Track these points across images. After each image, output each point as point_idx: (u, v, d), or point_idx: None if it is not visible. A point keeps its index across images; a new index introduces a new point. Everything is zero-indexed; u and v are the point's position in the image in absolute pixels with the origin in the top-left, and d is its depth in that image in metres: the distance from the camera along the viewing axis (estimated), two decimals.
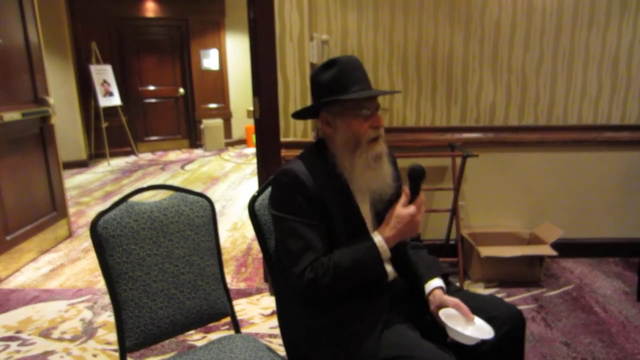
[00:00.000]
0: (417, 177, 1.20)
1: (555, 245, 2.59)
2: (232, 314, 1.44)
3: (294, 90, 2.38)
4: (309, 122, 2.44)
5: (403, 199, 1.20)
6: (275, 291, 1.42)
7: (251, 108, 2.48)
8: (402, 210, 1.18)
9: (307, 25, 2.33)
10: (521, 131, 2.78)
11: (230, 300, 1.43)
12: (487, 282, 2.65)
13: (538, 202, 2.88)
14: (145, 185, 5.42)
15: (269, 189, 1.45)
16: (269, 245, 1.41)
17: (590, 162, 2.84)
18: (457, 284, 2.53)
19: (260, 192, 1.44)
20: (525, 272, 2.63)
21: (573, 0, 2.62)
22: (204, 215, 1.39)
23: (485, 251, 2.54)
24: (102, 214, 1.23)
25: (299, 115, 1.42)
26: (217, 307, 1.38)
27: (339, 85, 1.25)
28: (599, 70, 2.72)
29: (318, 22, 2.56)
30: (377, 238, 1.19)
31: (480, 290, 2.58)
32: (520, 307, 2.33)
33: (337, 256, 1.18)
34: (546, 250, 2.57)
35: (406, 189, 1.21)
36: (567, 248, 2.87)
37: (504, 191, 2.86)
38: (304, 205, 1.21)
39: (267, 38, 2.24)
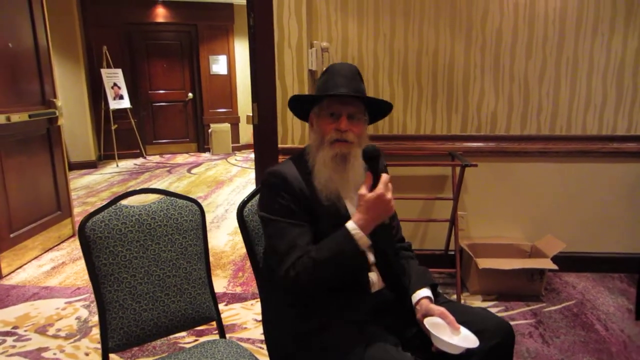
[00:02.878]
0: (372, 157, 1.20)
1: (557, 259, 2.53)
2: (218, 319, 1.44)
3: None
4: (307, 129, 2.45)
5: (367, 182, 1.19)
6: (261, 296, 1.42)
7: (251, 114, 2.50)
8: (369, 194, 1.17)
9: (305, 32, 2.34)
10: (523, 141, 2.75)
11: (216, 305, 1.43)
12: (485, 295, 2.61)
13: (540, 214, 2.84)
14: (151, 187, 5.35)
15: (259, 195, 1.47)
16: (257, 251, 1.42)
17: (595, 174, 2.79)
18: (454, 296, 2.53)
19: (249, 198, 1.44)
20: (525, 286, 2.58)
21: (577, 8, 2.59)
22: (193, 220, 1.40)
23: (484, 263, 2.50)
24: (91, 215, 1.25)
25: (295, 106, 1.43)
26: (202, 312, 1.38)
27: (324, 89, 1.30)
28: (603, 79, 2.69)
29: (319, 30, 2.58)
30: (350, 225, 1.18)
31: (478, 303, 2.54)
32: (518, 322, 2.30)
33: (315, 251, 1.18)
34: (546, 264, 2.52)
35: (368, 172, 1.20)
36: (571, 262, 2.81)
37: (505, 202, 2.83)
38: (290, 206, 1.23)
39: (265, 45, 2.26)
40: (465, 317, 1.22)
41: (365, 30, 2.61)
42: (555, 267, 2.49)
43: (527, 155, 2.76)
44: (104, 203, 1.28)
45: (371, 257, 1.32)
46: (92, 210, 1.25)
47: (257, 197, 1.46)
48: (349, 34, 2.61)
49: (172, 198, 1.40)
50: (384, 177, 1.18)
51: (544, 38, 2.63)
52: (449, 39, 2.63)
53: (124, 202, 1.31)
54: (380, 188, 1.16)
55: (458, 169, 2.61)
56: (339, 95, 1.27)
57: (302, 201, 1.24)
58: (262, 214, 1.27)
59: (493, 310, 2.41)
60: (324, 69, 1.35)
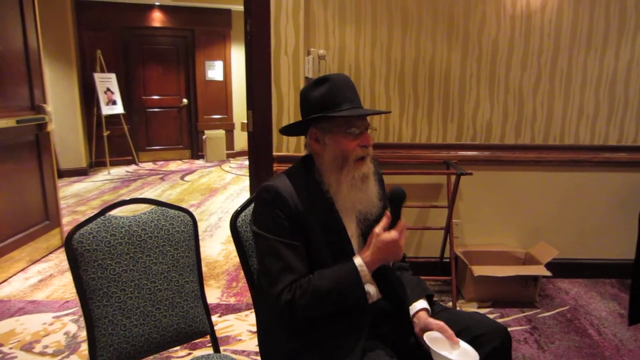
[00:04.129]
0: (398, 201, 1.19)
1: (551, 266, 2.55)
2: (212, 333, 1.41)
3: (288, 105, 2.37)
4: (302, 136, 2.42)
5: (384, 221, 1.18)
6: (256, 310, 1.39)
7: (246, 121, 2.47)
8: (384, 234, 1.17)
9: (302, 39, 2.33)
10: (517, 150, 2.75)
11: (209, 318, 1.40)
12: (481, 302, 2.60)
13: (534, 222, 2.85)
14: (143, 195, 5.29)
15: (252, 205, 1.44)
16: (251, 263, 1.39)
17: (587, 182, 2.81)
18: (450, 304, 2.51)
19: (242, 208, 1.41)
20: (519, 293, 2.58)
21: (571, 21, 2.62)
22: (185, 231, 1.37)
23: (479, 270, 2.50)
24: (78, 227, 1.21)
25: (287, 131, 1.40)
26: (195, 326, 1.34)
27: (330, 103, 1.24)
28: (596, 90, 2.71)
29: (316, 37, 2.56)
30: (358, 261, 1.17)
31: (474, 310, 2.53)
32: (513, 328, 2.30)
33: (317, 278, 1.16)
34: (540, 271, 2.52)
35: (388, 212, 1.19)
36: (563, 268, 2.83)
37: (499, 210, 2.83)
38: (285, 224, 1.19)
39: (262, 51, 2.24)
40: (462, 325, 1.23)
41: (362, 38, 2.60)
42: (549, 273, 2.50)
43: (521, 164, 2.77)
44: (95, 212, 1.24)
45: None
46: (82, 219, 1.21)
47: (250, 207, 1.43)
48: (346, 41, 2.60)
49: (163, 208, 1.36)
50: (403, 223, 1.18)
51: (539, 50, 2.65)
52: (446, 49, 2.63)
53: (113, 212, 1.27)
54: (396, 233, 1.17)
55: (453, 178, 2.61)
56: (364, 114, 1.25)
57: (297, 219, 1.20)
58: (255, 229, 1.24)
59: (489, 316, 2.39)
60: (316, 78, 1.31)
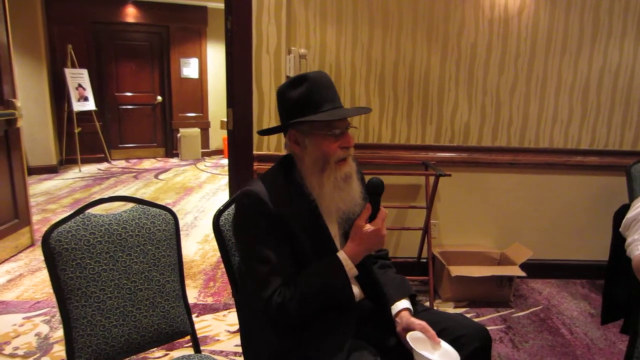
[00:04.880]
0: (376, 191, 1.19)
1: (524, 266, 2.62)
2: (193, 333, 1.38)
3: (269, 103, 2.35)
4: (282, 135, 2.40)
5: (365, 214, 1.19)
6: (239, 310, 1.37)
7: (225, 119, 2.44)
8: (367, 226, 1.18)
9: (284, 38, 2.32)
10: (494, 152, 2.81)
11: (190, 319, 1.37)
12: (457, 302, 2.65)
13: (509, 223, 2.92)
14: (116, 194, 5.16)
15: (234, 213, 1.41)
16: (233, 262, 1.37)
17: (560, 185, 2.89)
18: (427, 303, 2.55)
19: (225, 207, 1.39)
20: (494, 293, 2.64)
21: (547, 27, 2.69)
22: (166, 229, 1.34)
23: (456, 270, 2.54)
24: (56, 225, 1.17)
25: (266, 132, 1.39)
26: (176, 326, 1.32)
27: (309, 104, 1.20)
28: (570, 95, 2.79)
29: (297, 36, 2.55)
30: (342, 256, 1.18)
31: (450, 309, 2.57)
32: (489, 328, 2.34)
33: (304, 278, 1.16)
34: (515, 271, 2.58)
35: (368, 204, 1.19)
36: (536, 269, 2.90)
37: (476, 211, 2.89)
38: (267, 228, 1.18)
39: (243, 49, 2.22)
40: (443, 325, 1.24)
41: (343, 38, 2.61)
42: (523, 274, 2.56)
43: (497, 166, 2.83)
44: (66, 210, 1.20)
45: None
46: (52, 217, 1.17)
47: (232, 207, 1.41)
48: (327, 41, 2.60)
49: (144, 206, 1.33)
50: (383, 212, 1.20)
51: (516, 54, 2.71)
52: (426, 51, 2.67)
53: (89, 210, 1.23)
54: (378, 223, 1.18)
55: (432, 179, 2.64)
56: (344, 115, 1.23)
57: (279, 222, 1.19)
58: (237, 235, 1.23)
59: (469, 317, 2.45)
60: (294, 76, 1.28)
